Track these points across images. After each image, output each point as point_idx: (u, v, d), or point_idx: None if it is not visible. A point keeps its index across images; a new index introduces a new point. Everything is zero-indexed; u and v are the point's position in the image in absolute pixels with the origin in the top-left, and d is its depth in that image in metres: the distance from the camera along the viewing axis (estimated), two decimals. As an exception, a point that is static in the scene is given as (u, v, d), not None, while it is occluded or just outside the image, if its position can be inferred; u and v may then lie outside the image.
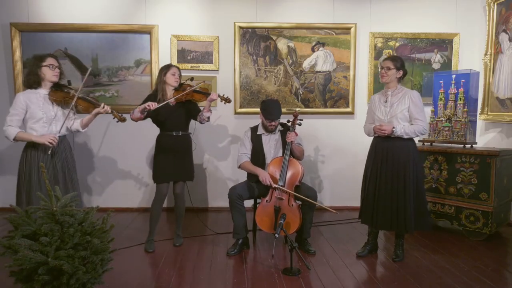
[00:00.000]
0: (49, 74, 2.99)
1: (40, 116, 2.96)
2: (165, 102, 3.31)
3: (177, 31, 4.60)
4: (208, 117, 3.41)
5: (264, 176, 3.31)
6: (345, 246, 3.54)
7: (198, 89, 3.39)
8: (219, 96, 3.36)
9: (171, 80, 3.39)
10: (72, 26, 4.47)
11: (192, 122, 3.54)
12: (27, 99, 2.96)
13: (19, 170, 3.02)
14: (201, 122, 3.45)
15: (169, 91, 3.42)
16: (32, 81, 3.00)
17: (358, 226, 4.00)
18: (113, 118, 3.18)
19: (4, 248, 2.00)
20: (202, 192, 4.78)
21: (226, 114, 4.72)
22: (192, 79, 3.50)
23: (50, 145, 2.89)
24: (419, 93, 3.19)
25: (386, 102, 3.19)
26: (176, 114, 3.41)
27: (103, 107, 3.06)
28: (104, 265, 2.20)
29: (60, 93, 3.05)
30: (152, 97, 3.43)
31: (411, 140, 3.17)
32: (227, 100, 3.43)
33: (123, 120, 3.19)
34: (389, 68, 3.13)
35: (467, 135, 3.91)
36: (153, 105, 3.23)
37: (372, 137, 3.31)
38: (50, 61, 2.99)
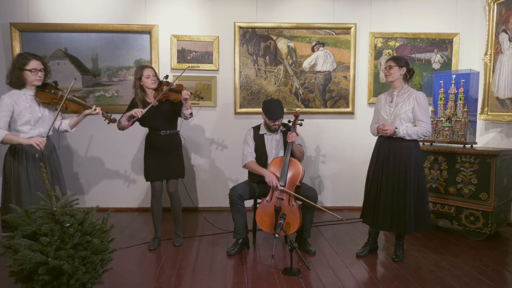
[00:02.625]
0: (31, 78, 2.89)
1: (28, 118, 2.90)
2: (149, 106, 3.26)
3: (177, 31, 4.60)
4: (190, 114, 3.38)
5: (270, 177, 3.30)
6: (345, 246, 3.54)
7: (173, 87, 3.36)
8: (191, 93, 3.31)
9: (148, 83, 3.35)
10: (72, 26, 4.47)
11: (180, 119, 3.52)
12: (13, 100, 2.88)
13: (4, 173, 2.94)
14: (185, 119, 3.45)
15: (150, 93, 3.40)
16: (14, 82, 2.92)
17: (358, 226, 4.00)
18: (104, 120, 3.14)
19: (4, 248, 2.00)
20: (202, 192, 4.78)
21: (226, 114, 4.72)
22: (167, 77, 3.46)
23: (38, 147, 2.81)
24: (425, 94, 3.16)
25: (391, 102, 3.18)
26: (161, 114, 3.39)
27: (95, 109, 3.00)
28: (104, 265, 2.20)
29: (47, 95, 2.98)
30: (134, 102, 3.41)
31: (414, 141, 3.15)
32: (199, 97, 3.37)
33: (113, 121, 3.15)
34: (391, 67, 3.13)
35: (467, 135, 3.91)
36: (139, 112, 3.21)
37: (377, 137, 3.31)
38: (33, 65, 2.88)
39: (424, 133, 3.08)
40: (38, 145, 2.80)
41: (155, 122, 3.41)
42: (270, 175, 3.32)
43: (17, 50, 4.44)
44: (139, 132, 4.49)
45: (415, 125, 3.11)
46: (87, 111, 3.02)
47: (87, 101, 3.16)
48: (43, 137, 2.87)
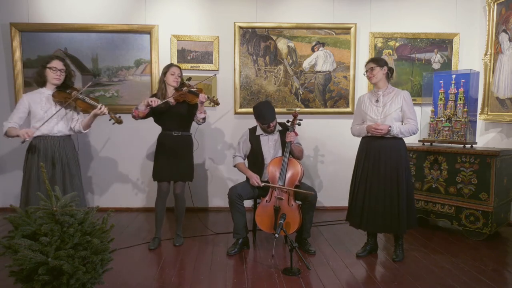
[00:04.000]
0: (50, 76, 3.10)
1: (41, 115, 3.06)
2: (165, 100, 3.33)
3: (177, 31, 4.60)
4: (203, 118, 3.41)
5: (252, 178, 3.37)
6: (345, 246, 3.55)
7: (192, 89, 3.39)
8: (208, 98, 3.35)
9: (170, 79, 3.41)
10: (72, 26, 4.48)
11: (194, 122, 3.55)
12: (30, 99, 3.10)
13: (23, 169, 3.13)
14: (197, 123, 3.47)
15: (170, 91, 3.44)
16: (38, 79, 3.15)
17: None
18: (109, 120, 3.18)
19: (4, 248, 2.00)
20: (202, 192, 4.78)
21: (226, 114, 4.72)
22: (189, 79, 3.51)
23: (23, 136, 2.93)
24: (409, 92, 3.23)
25: (377, 102, 3.19)
26: (176, 114, 3.42)
27: (100, 108, 3.09)
28: (104, 265, 2.20)
29: (62, 94, 3.12)
30: (156, 96, 3.46)
31: (401, 139, 3.18)
32: (215, 103, 3.42)
33: (120, 122, 3.18)
34: (372, 69, 3.16)
35: (467, 135, 3.91)
36: (155, 102, 3.26)
37: (361, 138, 3.31)
38: (54, 64, 3.09)
39: (414, 131, 3.13)
40: (23, 135, 2.94)
41: (169, 121, 3.44)
42: (253, 176, 3.37)
43: (17, 50, 4.44)
44: (139, 132, 4.50)
45: (404, 123, 3.15)
46: (93, 111, 3.11)
47: (99, 101, 3.22)
48: (32, 129, 3.00)
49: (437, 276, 2.92)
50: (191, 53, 4.63)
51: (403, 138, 3.18)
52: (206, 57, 4.64)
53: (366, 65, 3.25)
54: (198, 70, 4.61)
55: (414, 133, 3.16)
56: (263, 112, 3.41)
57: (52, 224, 2.03)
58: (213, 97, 3.45)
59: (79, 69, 4.55)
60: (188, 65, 4.60)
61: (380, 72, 3.15)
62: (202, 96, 3.30)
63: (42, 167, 2.27)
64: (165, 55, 4.59)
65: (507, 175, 3.81)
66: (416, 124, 3.13)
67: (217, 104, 3.46)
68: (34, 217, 2.11)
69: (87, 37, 4.54)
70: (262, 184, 3.33)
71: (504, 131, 4.27)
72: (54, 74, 3.09)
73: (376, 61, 3.19)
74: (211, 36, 4.61)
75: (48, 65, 3.08)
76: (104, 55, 4.57)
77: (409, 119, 3.12)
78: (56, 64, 3.10)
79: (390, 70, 3.23)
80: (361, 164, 3.25)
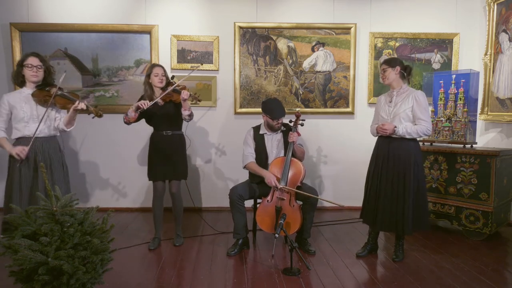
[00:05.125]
0: (28, 74, 2.99)
1: (21, 116, 2.97)
2: (154, 101, 3.31)
3: (177, 31, 4.60)
4: (188, 115, 3.38)
5: (270, 178, 3.30)
6: (345, 246, 3.54)
7: (176, 88, 3.37)
8: (190, 95, 3.34)
9: (155, 81, 3.39)
10: (72, 26, 4.48)
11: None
12: (10, 99, 3.00)
13: (7, 173, 3.04)
14: (184, 120, 3.46)
15: (157, 91, 3.43)
16: (16, 80, 3.05)
17: (358, 226, 4.00)
18: (89, 114, 3.06)
19: (4, 248, 2.00)
20: (202, 192, 4.78)
21: (226, 114, 4.72)
22: (173, 77, 3.49)
23: (18, 157, 2.88)
24: (424, 93, 3.15)
25: (391, 102, 3.19)
26: (165, 114, 3.41)
27: (78, 103, 2.97)
28: (104, 265, 2.20)
29: (42, 92, 3.02)
30: (143, 98, 3.44)
31: (413, 140, 3.15)
32: (197, 99, 3.42)
33: (100, 115, 3.06)
34: (384, 70, 3.16)
35: (467, 135, 3.91)
36: (145, 104, 3.24)
37: (377, 138, 3.32)
38: (29, 60, 2.98)
39: (425, 132, 3.07)
40: (18, 155, 2.89)
41: (158, 121, 3.44)
42: (270, 175, 3.31)
43: (17, 50, 4.44)
44: (139, 132, 4.50)
45: (415, 124, 3.11)
46: (73, 106, 2.99)
47: (79, 96, 3.13)
48: (24, 147, 2.91)
49: (437, 276, 2.92)
50: (191, 53, 4.63)
51: (415, 138, 3.15)
52: (206, 57, 4.64)
53: (380, 67, 3.26)
54: (198, 70, 4.60)
55: (426, 134, 3.10)
56: (274, 106, 3.41)
57: (52, 224, 2.03)
58: (195, 93, 3.43)
59: (79, 69, 4.55)
60: (188, 65, 4.60)
61: (392, 73, 3.14)
62: (185, 93, 3.28)
63: (42, 167, 2.26)
64: (165, 55, 4.59)
65: (507, 175, 3.81)
66: (427, 125, 3.06)
67: (199, 100, 3.46)
68: (34, 217, 2.11)
69: (87, 37, 4.54)
70: (280, 186, 3.27)
71: (504, 131, 4.27)
72: (30, 71, 2.96)
73: (388, 62, 3.17)
74: (211, 36, 4.61)
75: (24, 63, 2.96)
76: (104, 55, 4.57)
77: (420, 120, 3.07)
78: (32, 60, 2.97)
79: (406, 69, 3.17)
80: (373, 163, 3.27)
